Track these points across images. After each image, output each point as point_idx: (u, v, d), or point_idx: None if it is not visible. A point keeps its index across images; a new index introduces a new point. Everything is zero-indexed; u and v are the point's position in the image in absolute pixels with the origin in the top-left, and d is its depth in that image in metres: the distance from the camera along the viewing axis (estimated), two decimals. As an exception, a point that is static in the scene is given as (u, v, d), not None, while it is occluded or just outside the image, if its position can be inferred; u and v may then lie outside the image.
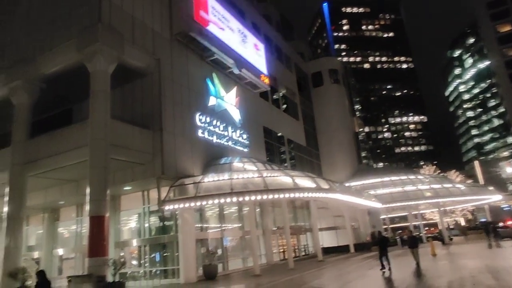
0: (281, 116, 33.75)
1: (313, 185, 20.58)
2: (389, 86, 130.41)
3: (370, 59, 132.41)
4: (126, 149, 16.47)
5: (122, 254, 19.33)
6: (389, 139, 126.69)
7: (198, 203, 17.49)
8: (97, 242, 13.71)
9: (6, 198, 16.47)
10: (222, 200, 17.62)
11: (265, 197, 18.20)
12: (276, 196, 18.68)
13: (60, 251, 22.14)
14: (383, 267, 15.15)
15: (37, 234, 23.61)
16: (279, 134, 32.38)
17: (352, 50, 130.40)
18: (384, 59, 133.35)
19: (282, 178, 20.40)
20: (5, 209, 16.33)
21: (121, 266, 13.59)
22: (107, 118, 15.37)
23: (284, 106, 35.48)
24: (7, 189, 16.63)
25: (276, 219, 26.71)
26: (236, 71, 24.28)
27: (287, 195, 19.10)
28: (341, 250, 30.72)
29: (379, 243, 16.10)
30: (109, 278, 13.28)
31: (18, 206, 16.52)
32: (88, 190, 14.37)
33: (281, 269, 19.54)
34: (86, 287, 12.37)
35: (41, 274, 9.45)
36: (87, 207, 14.35)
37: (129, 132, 17.01)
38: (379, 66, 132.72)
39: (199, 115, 20.65)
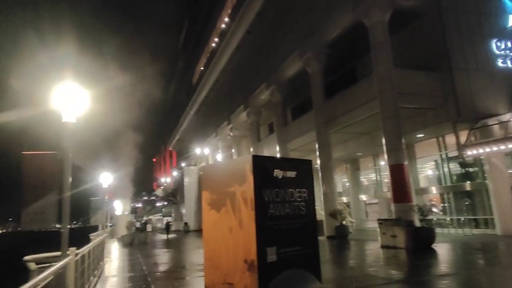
0: None
1: None
2: None
3: None
4: (413, 96, 16.01)
5: (430, 201, 19.27)
6: None
7: (510, 146, 14.86)
8: (400, 189, 14.30)
9: (317, 153, 19.73)
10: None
11: None
12: None
13: (364, 197, 24.61)
14: None
15: (342, 182, 27.12)
16: None
17: None
18: None
19: None
20: (318, 161, 19.59)
21: (428, 212, 13.59)
22: (390, 68, 15.41)
23: None
24: (316, 145, 19.87)
25: None
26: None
27: None
28: None
29: None
30: (417, 223, 13.60)
31: (326, 158, 19.47)
32: (383, 141, 15.08)
33: None
34: (396, 230, 13.19)
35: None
36: (384, 157, 15.10)
37: (414, 78, 16.37)
38: None
39: (496, 41, 17.17)
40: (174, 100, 74.37)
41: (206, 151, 38.20)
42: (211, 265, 4.79)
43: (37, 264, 6.88)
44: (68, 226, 6.04)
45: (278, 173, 4.68)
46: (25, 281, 6.60)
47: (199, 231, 35.85)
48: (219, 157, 36.61)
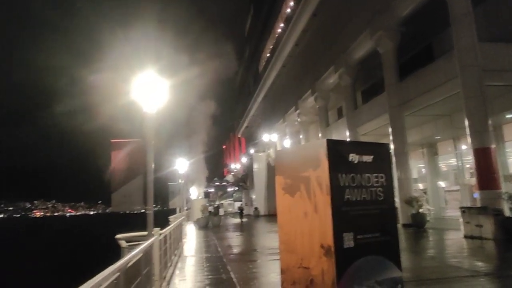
0: None
1: None
2: None
3: None
4: (501, 72, 14.42)
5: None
6: None
7: None
8: (486, 174, 13.09)
9: (390, 137, 18.80)
10: None
11: None
12: None
13: (442, 184, 22.98)
14: None
15: (418, 168, 25.59)
16: None
17: None
18: None
19: None
20: (391, 146, 18.68)
21: (521, 201, 12.29)
22: (474, 41, 14.02)
23: None
24: (389, 129, 18.92)
25: None
26: None
27: None
28: None
29: None
30: (507, 213, 12.39)
31: (401, 142, 18.46)
32: (466, 122, 13.85)
33: None
34: (482, 219, 12.16)
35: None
36: (466, 140, 13.90)
37: (503, 52, 14.71)
38: None
39: None
40: (241, 88, 75.82)
41: (274, 137, 38.50)
42: (286, 249, 4.85)
43: (127, 242, 7.56)
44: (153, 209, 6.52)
45: (353, 157, 4.54)
46: (118, 257, 7.29)
47: (269, 216, 36.53)
48: (287, 143, 36.68)
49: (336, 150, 4.43)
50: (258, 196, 42.91)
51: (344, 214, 4.27)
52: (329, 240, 4.14)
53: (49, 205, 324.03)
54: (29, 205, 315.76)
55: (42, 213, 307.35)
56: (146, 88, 6.29)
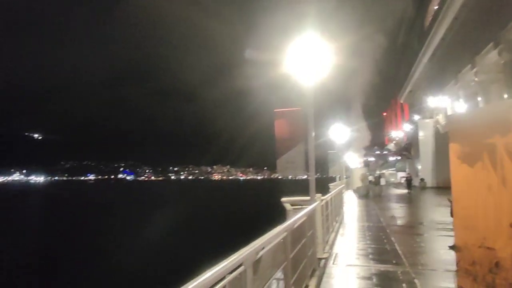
0: None
1: None
2: None
3: None
4: None
5: None
6: None
7: None
8: None
9: None
10: None
11: None
12: None
13: None
14: None
15: None
16: None
17: None
18: None
19: None
20: None
21: None
22: None
23: None
24: None
25: None
26: None
27: None
28: None
29: None
30: None
31: None
32: None
33: None
34: None
35: None
36: None
37: None
38: None
39: None
40: (403, 50, 69.34)
41: (444, 101, 34.08)
42: (463, 225, 4.31)
43: (291, 205, 8.07)
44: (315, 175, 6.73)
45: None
46: (283, 218, 7.90)
47: (437, 188, 33.43)
48: (461, 107, 32.04)
49: (533, 111, 3.61)
50: (424, 167, 39.50)
51: (544, 189, 3.49)
52: (523, 219, 3.48)
53: (225, 170, 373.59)
54: (210, 169, 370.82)
55: (219, 177, 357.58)
56: (307, 54, 6.28)
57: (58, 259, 22.37)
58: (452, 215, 4.45)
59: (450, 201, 4.51)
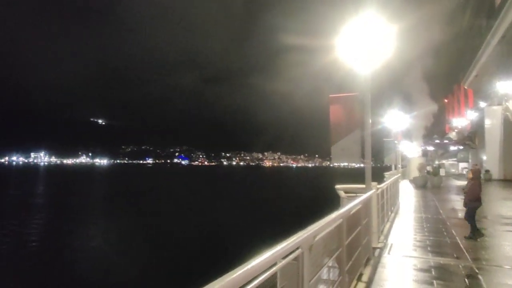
0: None
1: None
2: None
3: None
4: None
5: None
6: None
7: None
8: None
9: None
10: None
11: None
12: None
13: None
14: None
15: None
16: None
17: None
18: None
19: None
20: None
21: None
22: None
23: None
24: None
25: None
26: None
27: None
28: None
29: None
30: None
31: None
32: None
33: None
34: None
35: None
36: None
37: None
38: None
39: None
40: (469, 32, 64.05)
41: (516, 86, 31.15)
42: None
43: (345, 192, 7.95)
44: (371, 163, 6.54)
45: None
46: (337, 205, 7.80)
47: (504, 181, 31.06)
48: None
49: None
50: (490, 157, 36.70)
51: None
52: None
53: (276, 157, 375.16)
54: (261, 156, 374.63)
55: (270, 163, 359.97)
56: (366, 36, 6.00)
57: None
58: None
59: None
